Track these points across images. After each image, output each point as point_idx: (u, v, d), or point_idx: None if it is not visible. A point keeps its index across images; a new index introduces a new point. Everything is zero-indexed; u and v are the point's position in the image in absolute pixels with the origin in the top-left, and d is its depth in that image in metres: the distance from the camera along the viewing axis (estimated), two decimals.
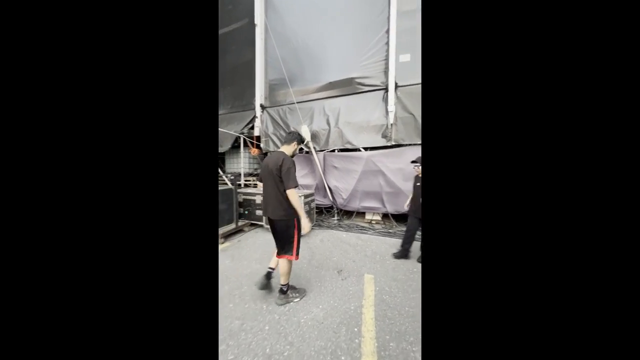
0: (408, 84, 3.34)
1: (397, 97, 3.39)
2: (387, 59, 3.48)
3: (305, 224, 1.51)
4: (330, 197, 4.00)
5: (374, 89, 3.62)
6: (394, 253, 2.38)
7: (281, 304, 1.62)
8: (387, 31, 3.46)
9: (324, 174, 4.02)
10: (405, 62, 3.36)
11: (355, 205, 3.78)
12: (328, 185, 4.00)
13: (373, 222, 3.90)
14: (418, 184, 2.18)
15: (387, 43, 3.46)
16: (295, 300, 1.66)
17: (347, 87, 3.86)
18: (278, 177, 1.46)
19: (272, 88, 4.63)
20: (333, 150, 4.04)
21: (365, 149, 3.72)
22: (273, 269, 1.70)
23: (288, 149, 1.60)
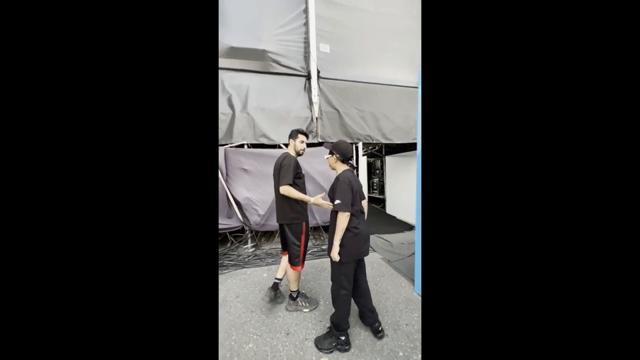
0: (330, 77, 3.02)
1: (320, 89, 2.94)
2: (307, 42, 2.95)
3: (320, 201, 1.39)
4: (239, 216, 2.67)
5: (293, 72, 2.92)
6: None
7: (291, 310, 1.60)
8: (305, 11, 2.95)
9: (226, 180, 2.62)
10: (325, 52, 3.02)
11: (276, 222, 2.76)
12: (235, 198, 2.65)
13: None
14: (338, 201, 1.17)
15: (306, 24, 2.95)
16: (305, 310, 1.59)
17: (259, 61, 2.84)
18: (278, 177, 1.42)
19: None
20: (241, 146, 2.78)
21: (287, 145, 2.88)
22: (280, 279, 1.65)
23: (290, 149, 1.56)
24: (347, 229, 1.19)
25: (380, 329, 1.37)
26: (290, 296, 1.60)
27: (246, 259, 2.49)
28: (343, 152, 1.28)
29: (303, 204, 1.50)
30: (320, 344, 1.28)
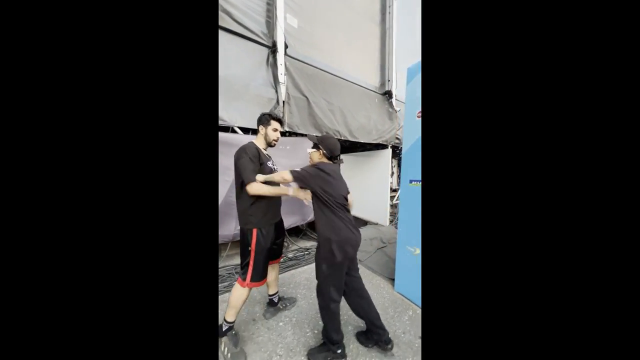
0: (298, 57, 2.59)
1: (287, 69, 2.46)
2: (271, 4, 2.37)
3: (295, 191, 1.15)
4: None
5: (252, 37, 2.27)
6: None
7: (222, 344, 1.15)
8: None
9: None
10: (292, 26, 2.56)
11: (228, 231, 2.06)
12: None
13: None
14: (306, 199, 1.15)
15: None
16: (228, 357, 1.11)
17: None
18: (237, 174, 1.14)
19: None
20: None
21: (245, 131, 2.22)
22: (273, 294, 1.48)
23: (259, 139, 1.25)
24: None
25: (389, 338, 1.25)
26: (220, 327, 1.16)
27: None
28: (331, 149, 1.14)
29: (260, 205, 1.17)
30: (314, 358, 1.14)
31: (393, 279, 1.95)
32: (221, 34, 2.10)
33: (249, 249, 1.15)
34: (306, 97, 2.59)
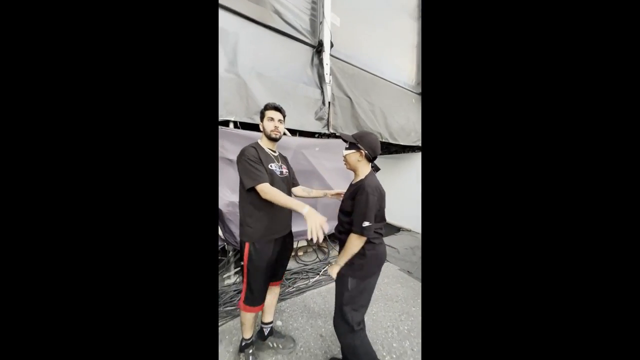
0: (341, 57, 2.52)
1: (331, 69, 2.39)
2: (315, 2, 2.32)
3: (310, 213, 0.81)
4: (219, 231, 1.77)
5: (299, 36, 2.22)
6: None
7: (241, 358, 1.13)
8: None
9: None
10: (336, 25, 2.49)
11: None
12: None
13: (299, 252, 2.46)
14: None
15: None
16: None
17: (255, 4, 1.96)
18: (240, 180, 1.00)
19: None
20: (225, 124, 1.85)
21: (292, 132, 2.17)
22: (267, 323, 1.23)
23: (263, 138, 1.09)
24: (367, 242, 0.90)
25: None
26: (240, 344, 1.17)
27: (230, 297, 1.64)
28: (373, 148, 0.91)
29: (257, 216, 1.00)
30: None
31: None
32: (271, 35, 2.07)
33: (242, 264, 1.02)
34: (349, 97, 2.51)
